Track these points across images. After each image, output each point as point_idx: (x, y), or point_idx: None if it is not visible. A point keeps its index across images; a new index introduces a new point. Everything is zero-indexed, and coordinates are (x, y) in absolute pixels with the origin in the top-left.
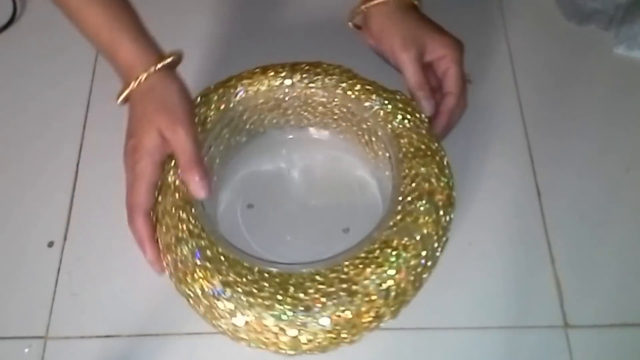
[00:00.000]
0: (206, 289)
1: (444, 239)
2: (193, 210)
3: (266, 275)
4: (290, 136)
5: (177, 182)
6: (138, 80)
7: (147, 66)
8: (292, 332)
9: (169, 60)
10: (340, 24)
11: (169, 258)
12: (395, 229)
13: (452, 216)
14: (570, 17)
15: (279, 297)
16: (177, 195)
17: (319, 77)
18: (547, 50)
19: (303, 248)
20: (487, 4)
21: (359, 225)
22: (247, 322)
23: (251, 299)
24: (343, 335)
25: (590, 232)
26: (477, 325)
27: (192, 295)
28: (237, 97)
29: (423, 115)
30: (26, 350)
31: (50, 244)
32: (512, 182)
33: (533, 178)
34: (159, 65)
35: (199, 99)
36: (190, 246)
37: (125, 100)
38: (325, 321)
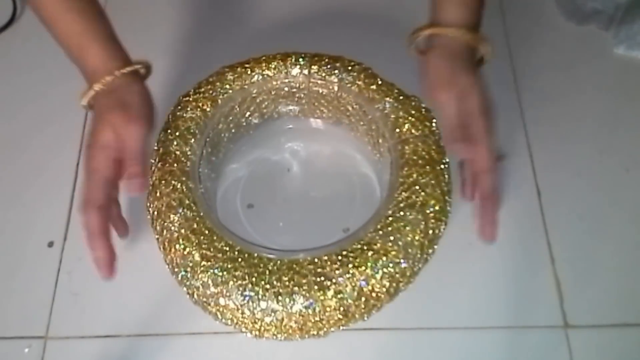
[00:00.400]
0: (185, 259)
1: (430, 251)
2: (189, 183)
3: (246, 255)
4: (300, 126)
5: (178, 153)
6: (101, 82)
7: (112, 70)
8: (259, 315)
9: (135, 67)
10: (364, 18)
11: (158, 224)
12: (380, 232)
13: (441, 230)
14: (570, 17)
15: (253, 279)
16: (176, 165)
17: (337, 71)
18: (547, 50)
19: (298, 238)
20: (487, 5)
21: (358, 225)
22: (217, 297)
23: (226, 275)
24: (309, 328)
25: (590, 232)
26: (477, 325)
27: (172, 262)
28: (253, 79)
29: (434, 125)
30: (26, 350)
31: (50, 244)
32: (512, 183)
33: (533, 178)
34: (124, 70)
35: (216, 73)
36: (178, 215)
37: (90, 106)
38: (292, 310)
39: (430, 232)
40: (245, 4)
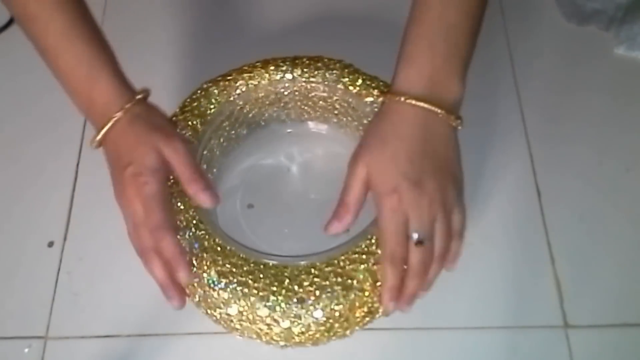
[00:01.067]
0: (201, 278)
1: None
2: (190, 201)
3: (262, 266)
4: (291, 130)
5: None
6: (123, 110)
7: (129, 99)
8: (285, 323)
9: (146, 93)
10: (341, 18)
11: None
12: None
13: None
14: (570, 18)
15: (274, 289)
16: (175, 187)
17: (320, 71)
18: (547, 50)
19: (302, 243)
20: (488, 5)
21: (359, 222)
22: (240, 312)
23: (246, 290)
24: (336, 329)
25: (590, 232)
26: (477, 325)
27: (189, 285)
28: (238, 91)
29: None
30: (26, 350)
31: (50, 244)
32: (512, 182)
33: (533, 178)
34: (139, 97)
35: (199, 90)
36: (188, 236)
37: (99, 143)
38: (318, 314)
39: None
40: (231, 12)
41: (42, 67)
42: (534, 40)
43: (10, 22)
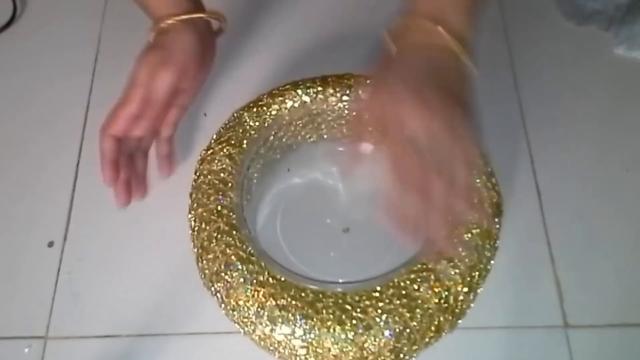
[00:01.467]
0: (262, 314)
1: (496, 245)
2: (239, 234)
3: (320, 295)
4: (325, 150)
5: (219, 208)
6: (155, 28)
7: (170, 17)
8: (354, 353)
9: (194, 16)
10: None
11: (220, 285)
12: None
13: (500, 223)
14: (570, 18)
15: (337, 318)
16: (221, 220)
17: (352, 89)
18: (547, 50)
19: (350, 265)
20: (488, 5)
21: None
22: (306, 346)
23: (310, 322)
24: (405, 352)
25: (590, 232)
26: (477, 325)
27: (247, 322)
28: (271, 115)
29: None
30: (26, 350)
31: (50, 244)
32: (512, 183)
33: (533, 178)
34: (182, 17)
35: (232, 119)
36: (241, 271)
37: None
38: (386, 339)
39: (493, 227)
40: (246, 36)
41: (42, 67)
42: (533, 40)
43: (10, 22)
